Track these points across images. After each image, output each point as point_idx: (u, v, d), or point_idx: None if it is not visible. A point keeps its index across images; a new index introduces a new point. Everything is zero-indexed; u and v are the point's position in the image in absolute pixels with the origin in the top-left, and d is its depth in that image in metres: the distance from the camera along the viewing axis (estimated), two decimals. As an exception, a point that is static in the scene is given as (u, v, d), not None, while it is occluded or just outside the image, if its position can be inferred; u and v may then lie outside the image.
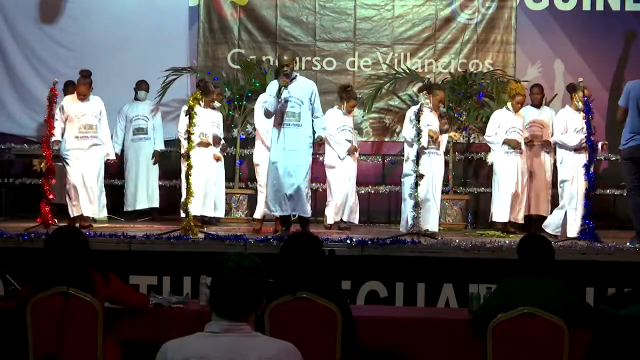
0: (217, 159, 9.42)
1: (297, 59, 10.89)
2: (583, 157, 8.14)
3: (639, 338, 2.08)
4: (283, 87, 7.46)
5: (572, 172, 8.31)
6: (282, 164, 7.59)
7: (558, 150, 8.61)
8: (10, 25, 10.98)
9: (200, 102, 8.46)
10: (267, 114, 7.68)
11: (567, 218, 8.33)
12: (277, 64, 9.05)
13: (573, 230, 8.16)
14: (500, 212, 8.96)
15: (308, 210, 7.76)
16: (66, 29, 11.04)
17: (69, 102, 8.76)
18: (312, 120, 7.71)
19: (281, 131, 7.61)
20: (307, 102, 7.61)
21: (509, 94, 9.21)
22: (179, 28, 11.08)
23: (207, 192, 9.13)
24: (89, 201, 8.68)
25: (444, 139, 8.82)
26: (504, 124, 8.96)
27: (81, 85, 8.75)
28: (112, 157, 9.21)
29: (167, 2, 11.06)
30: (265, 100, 7.69)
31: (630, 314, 2.08)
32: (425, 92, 8.49)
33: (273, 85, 7.64)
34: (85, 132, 8.75)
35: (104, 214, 9.18)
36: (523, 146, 9.00)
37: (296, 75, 7.73)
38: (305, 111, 7.61)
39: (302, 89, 7.65)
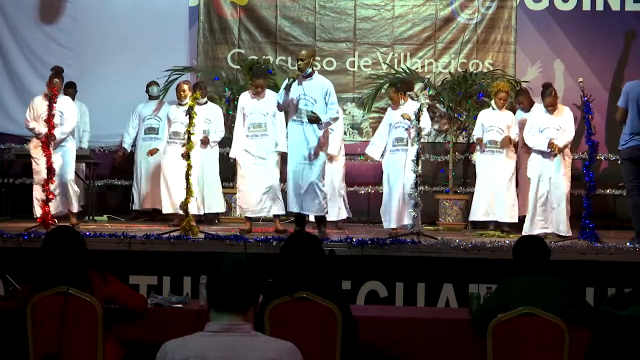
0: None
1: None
2: (554, 159, 8.19)
3: (640, 339, 2.08)
4: (292, 79, 7.43)
5: (538, 171, 8.29)
6: (296, 162, 7.57)
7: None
8: (10, 25, 10.97)
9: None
10: (278, 107, 7.77)
11: (532, 217, 8.28)
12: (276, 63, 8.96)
13: (538, 228, 8.17)
14: (473, 211, 9.08)
15: (322, 209, 7.70)
16: (66, 29, 11.04)
17: (40, 101, 8.49)
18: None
19: (294, 128, 7.60)
20: (322, 101, 7.55)
21: (492, 91, 9.28)
22: (179, 28, 11.08)
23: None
24: (64, 198, 8.53)
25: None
26: (485, 122, 9.03)
27: (55, 82, 8.35)
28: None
29: (167, 2, 11.06)
30: (279, 93, 7.68)
31: (632, 314, 2.08)
32: (425, 90, 8.46)
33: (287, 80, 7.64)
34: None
35: (76, 209, 8.97)
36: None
37: (313, 73, 7.66)
38: (319, 110, 7.50)
39: (317, 87, 7.59)
